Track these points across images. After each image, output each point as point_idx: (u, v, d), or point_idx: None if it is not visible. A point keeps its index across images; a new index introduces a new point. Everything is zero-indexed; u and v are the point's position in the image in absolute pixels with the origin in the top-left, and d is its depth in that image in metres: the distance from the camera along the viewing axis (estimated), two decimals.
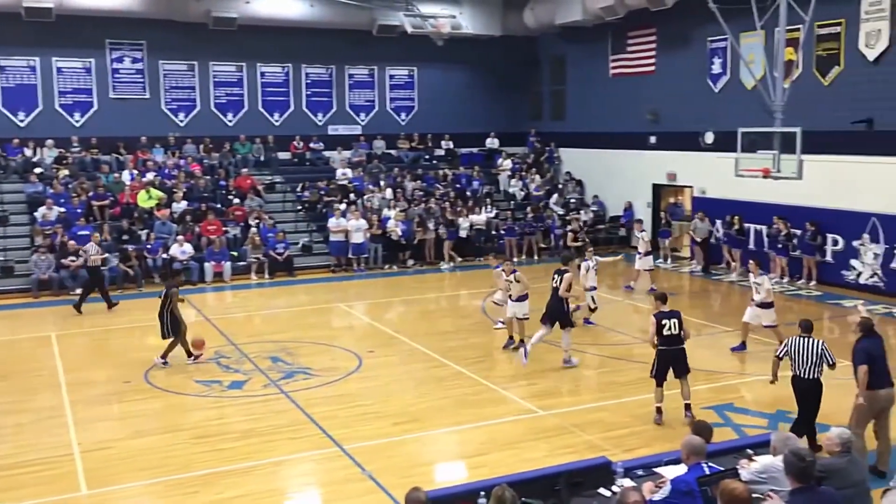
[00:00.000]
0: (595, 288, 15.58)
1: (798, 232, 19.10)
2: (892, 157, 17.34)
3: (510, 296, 13.77)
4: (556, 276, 13.13)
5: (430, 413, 10.89)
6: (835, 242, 18.78)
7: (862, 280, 18.25)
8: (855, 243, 18.36)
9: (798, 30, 17.06)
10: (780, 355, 9.22)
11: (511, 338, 14.07)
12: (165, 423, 10.73)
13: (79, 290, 18.83)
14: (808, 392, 8.93)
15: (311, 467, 9.31)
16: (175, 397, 11.78)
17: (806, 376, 8.88)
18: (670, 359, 10.21)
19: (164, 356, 13.19)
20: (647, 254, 18.85)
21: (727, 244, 21.05)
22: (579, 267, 15.40)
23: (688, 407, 10.31)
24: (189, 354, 13.34)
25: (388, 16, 25.45)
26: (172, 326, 13.24)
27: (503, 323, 15.03)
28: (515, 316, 13.71)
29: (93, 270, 17.89)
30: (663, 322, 10.16)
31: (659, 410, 10.29)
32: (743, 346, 13.56)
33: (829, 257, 18.92)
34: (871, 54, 17.95)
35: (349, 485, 8.66)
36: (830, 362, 8.93)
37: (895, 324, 15.53)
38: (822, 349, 8.90)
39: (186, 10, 23.92)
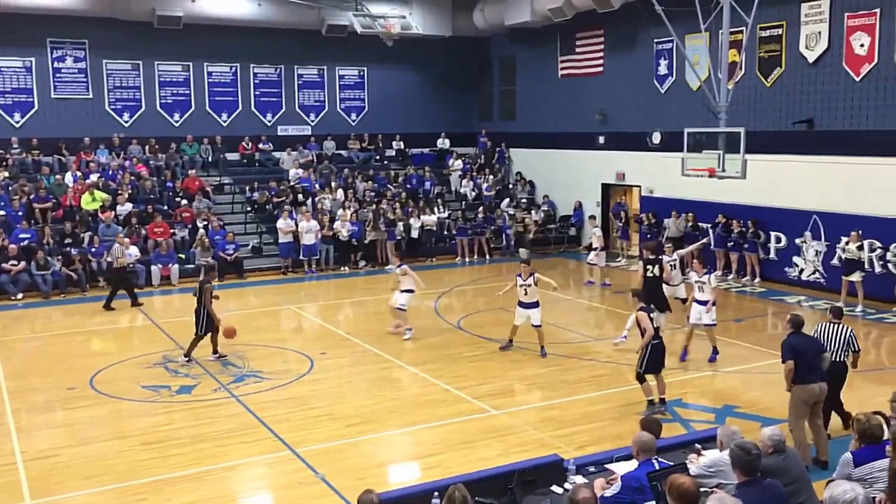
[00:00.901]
0: (675, 285, 14.96)
1: (743, 230, 19.50)
2: (832, 157, 17.82)
3: (519, 301, 13.49)
4: (649, 265, 13.52)
5: (383, 414, 10.86)
6: (778, 240, 19.22)
7: (804, 277, 18.70)
8: (797, 241, 18.81)
9: (741, 32, 17.43)
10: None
11: (510, 341, 13.79)
12: (112, 429, 10.51)
13: (20, 295, 18.81)
14: (834, 373, 9.22)
15: (263, 471, 9.20)
16: (122, 403, 11.53)
17: (834, 359, 9.22)
18: (661, 351, 10.48)
19: (187, 353, 13.43)
20: (602, 249, 19.54)
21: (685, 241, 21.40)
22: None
23: (662, 401, 10.53)
24: (215, 352, 13.41)
25: (337, 15, 25.26)
26: (208, 323, 13.29)
27: (407, 328, 14.83)
28: (531, 322, 13.44)
29: (119, 271, 18.10)
30: (651, 317, 10.50)
31: (663, 401, 10.52)
32: (685, 352, 13.02)
33: (772, 254, 19.35)
34: (811, 56, 18.41)
35: (302, 488, 8.59)
36: (856, 348, 9.41)
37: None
38: (849, 335, 9.38)
39: (130, 9, 23.44)
